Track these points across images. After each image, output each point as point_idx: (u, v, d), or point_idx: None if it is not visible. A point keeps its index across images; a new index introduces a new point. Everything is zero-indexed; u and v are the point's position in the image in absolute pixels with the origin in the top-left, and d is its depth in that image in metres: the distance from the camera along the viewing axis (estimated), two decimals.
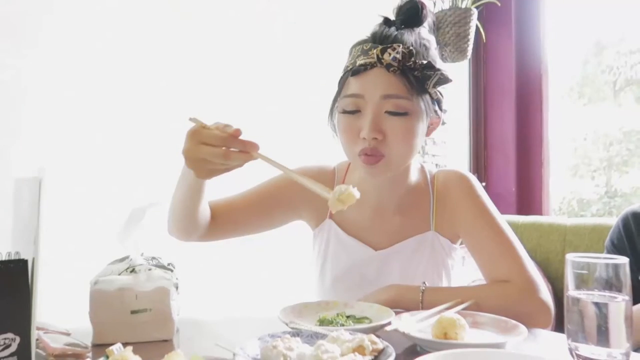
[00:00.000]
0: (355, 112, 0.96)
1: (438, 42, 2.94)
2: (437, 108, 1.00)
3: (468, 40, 2.58)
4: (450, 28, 2.52)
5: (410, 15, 0.99)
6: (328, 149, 1.21)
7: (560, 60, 3.47)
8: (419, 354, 0.63)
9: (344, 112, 0.98)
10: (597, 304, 0.64)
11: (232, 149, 0.74)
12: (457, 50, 2.57)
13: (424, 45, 0.98)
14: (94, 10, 1.41)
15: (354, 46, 1.01)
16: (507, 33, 3.30)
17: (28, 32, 1.27)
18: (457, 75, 3.19)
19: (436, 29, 2.66)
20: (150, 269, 0.80)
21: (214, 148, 0.74)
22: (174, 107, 1.61)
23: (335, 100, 1.03)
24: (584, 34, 3.56)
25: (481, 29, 2.89)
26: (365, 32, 1.01)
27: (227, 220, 1.07)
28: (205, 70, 1.71)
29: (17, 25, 1.25)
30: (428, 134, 1.03)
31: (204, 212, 1.00)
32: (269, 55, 1.93)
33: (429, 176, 1.11)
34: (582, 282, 0.66)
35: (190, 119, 0.77)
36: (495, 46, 3.32)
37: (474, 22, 2.60)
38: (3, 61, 1.22)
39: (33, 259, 0.60)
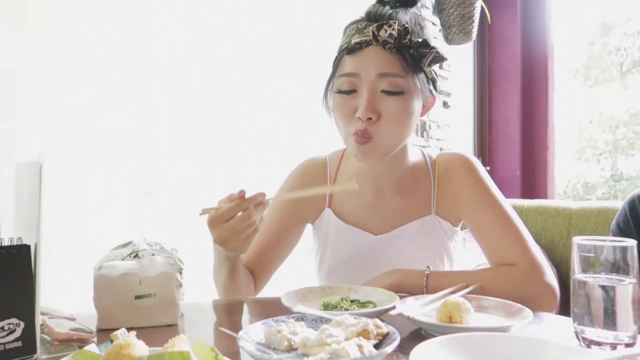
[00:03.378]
0: (350, 91, 0.95)
1: (442, 24, 2.91)
2: (432, 87, 1.00)
3: (473, 21, 2.54)
4: (454, 9, 2.48)
5: None
6: (325, 147, 1.21)
7: (566, 41, 3.42)
8: (423, 338, 0.63)
9: (339, 92, 0.97)
10: (604, 287, 0.64)
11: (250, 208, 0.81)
12: (461, 31, 2.53)
13: (419, 24, 0.97)
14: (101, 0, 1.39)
15: (348, 26, 1.00)
16: (512, 14, 3.25)
17: (29, 17, 1.25)
18: (462, 57, 3.15)
19: (440, 10, 2.63)
20: (153, 254, 0.80)
21: (236, 217, 0.81)
22: (175, 91, 1.60)
23: (329, 81, 1.02)
24: (590, 14, 3.51)
25: (486, 10, 2.85)
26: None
27: (266, 266, 1.10)
28: (206, 56, 1.69)
29: (18, 10, 1.23)
30: (423, 113, 1.02)
31: (247, 276, 1.05)
32: (265, 52, 1.91)
33: (428, 159, 1.10)
34: (588, 265, 0.66)
35: (201, 213, 0.84)
36: (500, 27, 3.27)
37: (479, 2, 2.55)
38: (3, 46, 1.21)
39: (36, 244, 0.60)
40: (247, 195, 0.82)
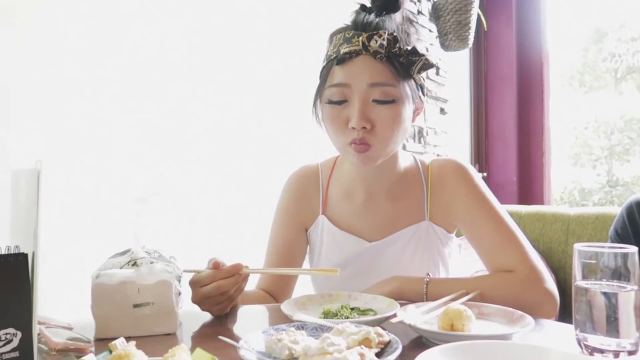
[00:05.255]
0: (341, 102, 0.95)
1: (439, 31, 2.91)
2: (420, 93, 1.01)
3: (469, 28, 2.55)
4: (451, 16, 2.49)
5: (387, 1, 0.97)
6: (322, 147, 1.21)
7: (561, 47, 3.45)
8: (425, 346, 0.62)
9: (330, 102, 0.96)
10: (606, 294, 0.64)
11: (223, 279, 0.83)
12: (458, 38, 2.54)
13: (405, 31, 0.97)
14: (97, 1, 1.38)
15: (334, 34, 0.99)
16: (507, 21, 3.27)
17: (25, 21, 1.25)
18: (458, 63, 3.16)
19: (437, 17, 2.65)
20: (152, 262, 0.79)
21: (208, 286, 0.83)
22: (173, 97, 1.59)
23: (318, 91, 1.01)
24: (584, 21, 3.54)
25: (482, 17, 2.87)
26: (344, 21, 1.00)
27: (284, 284, 1.13)
28: (204, 60, 1.69)
29: (13, 14, 1.23)
30: (412, 119, 1.03)
31: (263, 299, 1.07)
32: (263, 57, 1.91)
33: (420, 165, 1.10)
34: (590, 271, 0.65)
35: (185, 271, 0.86)
36: (496, 34, 3.30)
37: (475, 9, 2.57)
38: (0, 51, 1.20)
39: (33, 253, 0.59)
40: (244, 264, 0.86)
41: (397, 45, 0.93)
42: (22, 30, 1.24)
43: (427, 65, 0.96)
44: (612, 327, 0.63)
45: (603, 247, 0.65)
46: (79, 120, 1.35)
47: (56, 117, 1.30)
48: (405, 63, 0.94)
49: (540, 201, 3.19)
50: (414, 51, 0.94)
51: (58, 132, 1.30)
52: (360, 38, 0.93)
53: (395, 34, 0.93)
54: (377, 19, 0.95)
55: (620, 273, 0.64)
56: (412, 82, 0.97)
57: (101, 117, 1.40)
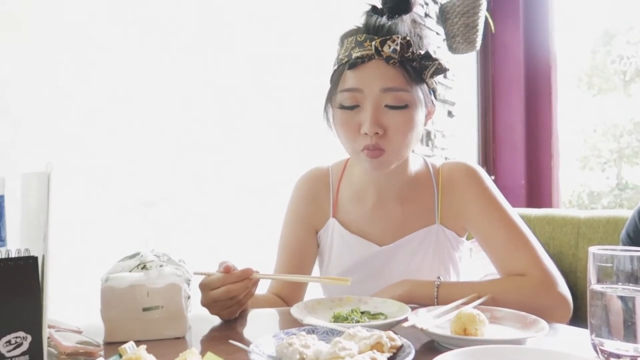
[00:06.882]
0: (353, 107, 0.94)
1: (446, 33, 2.91)
2: (432, 97, 1.00)
3: (477, 31, 2.55)
4: (458, 19, 2.48)
5: (398, 2, 0.96)
6: (327, 149, 1.20)
7: (569, 50, 3.43)
8: (437, 351, 0.61)
9: (342, 107, 0.95)
10: (622, 298, 0.62)
11: (233, 284, 0.83)
12: (465, 41, 2.54)
13: (418, 34, 0.96)
14: (101, 2, 1.39)
15: (345, 37, 0.98)
16: (514, 23, 3.26)
17: (34, 24, 1.25)
18: (465, 66, 3.15)
19: (444, 19, 2.64)
20: (161, 266, 0.79)
21: (217, 290, 0.83)
22: (184, 101, 1.59)
23: (330, 95, 1.00)
24: (592, 23, 3.51)
25: (489, 19, 2.86)
26: (355, 23, 0.98)
27: (296, 288, 1.12)
28: (213, 65, 1.69)
29: (23, 17, 1.23)
30: (425, 123, 1.02)
31: (274, 303, 1.07)
32: (271, 59, 1.91)
33: (431, 169, 1.10)
34: (605, 275, 0.64)
35: (195, 273, 0.86)
36: (503, 37, 3.28)
37: (483, 12, 2.56)
38: (9, 54, 1.21)
39: (43, 256, 0.59)
40: (254, 269, 0.86)
41: (410, 49, 0.91)
42: (30, 33, 1.25)
43: (440, 69, 0.95)
44: (630, 331, 0.62)
45: (618, 250, 0.64)
46: (88, 124, 1.35)
47: (66, 121, 1.31)
48: (418, 67, 0.93)
49: (548, 204, 3.17)
50: (427, 55, 0.93)
51: (67, 135, 1.31)
52: (373, 42, 0.91)
53: (408, 38, 0.92)
54: (390, 22, 0.94)
55: (636, 277, 0.63)
56: (425, 86, 0.96)
57: (111, 121, 1.40)
